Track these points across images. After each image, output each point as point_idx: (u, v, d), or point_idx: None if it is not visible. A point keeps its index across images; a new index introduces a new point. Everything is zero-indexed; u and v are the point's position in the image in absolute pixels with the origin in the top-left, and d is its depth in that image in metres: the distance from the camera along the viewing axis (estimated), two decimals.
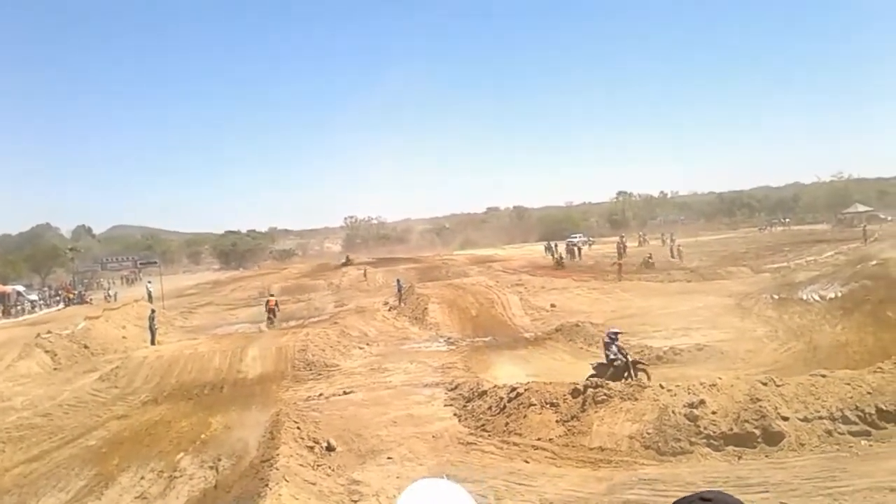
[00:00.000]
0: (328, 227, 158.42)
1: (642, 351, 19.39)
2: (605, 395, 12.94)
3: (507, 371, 19.46)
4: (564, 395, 13.53)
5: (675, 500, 1.28)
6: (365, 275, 54.86)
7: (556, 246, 61.37)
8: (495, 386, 15.78)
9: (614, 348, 16.50)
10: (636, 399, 12.56)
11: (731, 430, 11.02)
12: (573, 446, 12.05)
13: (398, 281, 38.77)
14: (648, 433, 11.50)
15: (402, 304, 34.21)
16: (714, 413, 11.37)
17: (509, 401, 14.33)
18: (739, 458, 10.59)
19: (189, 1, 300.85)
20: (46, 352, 27.10)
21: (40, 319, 41.67)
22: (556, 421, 12.93)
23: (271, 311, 33.09)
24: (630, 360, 16.49)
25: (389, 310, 33.62)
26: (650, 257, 44.67)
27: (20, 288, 58.58)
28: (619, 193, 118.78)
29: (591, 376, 15.02)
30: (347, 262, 69.12)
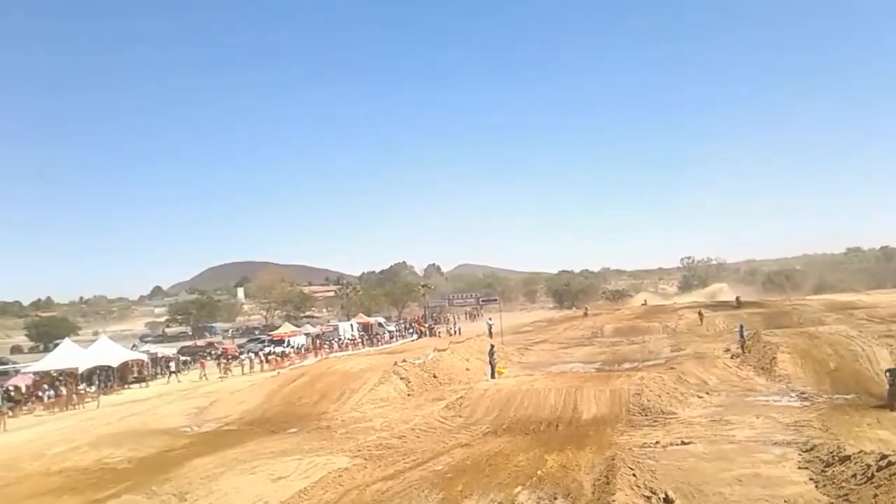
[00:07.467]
0: (662, 268, 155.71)
1: None
2: None
3: (875, 435, 16.77)
4: None
5: None
6: (700, 318, 52.24)
7: None
8: (861, 451, 13.61)
9: None
10: None
11: None
12: None
13: (741, 326, 36.08)
14: None
15: (746, 353, 31.71)
16: None
17: (878, 469, 12.20)
18: None
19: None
20: (402, 378, 30.19)
21: (397, 349, 47.10)
22: None
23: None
24: None
25: (731, 357, 31.34)
26: None
27: (381, 319, 67.88)
28: None
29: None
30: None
